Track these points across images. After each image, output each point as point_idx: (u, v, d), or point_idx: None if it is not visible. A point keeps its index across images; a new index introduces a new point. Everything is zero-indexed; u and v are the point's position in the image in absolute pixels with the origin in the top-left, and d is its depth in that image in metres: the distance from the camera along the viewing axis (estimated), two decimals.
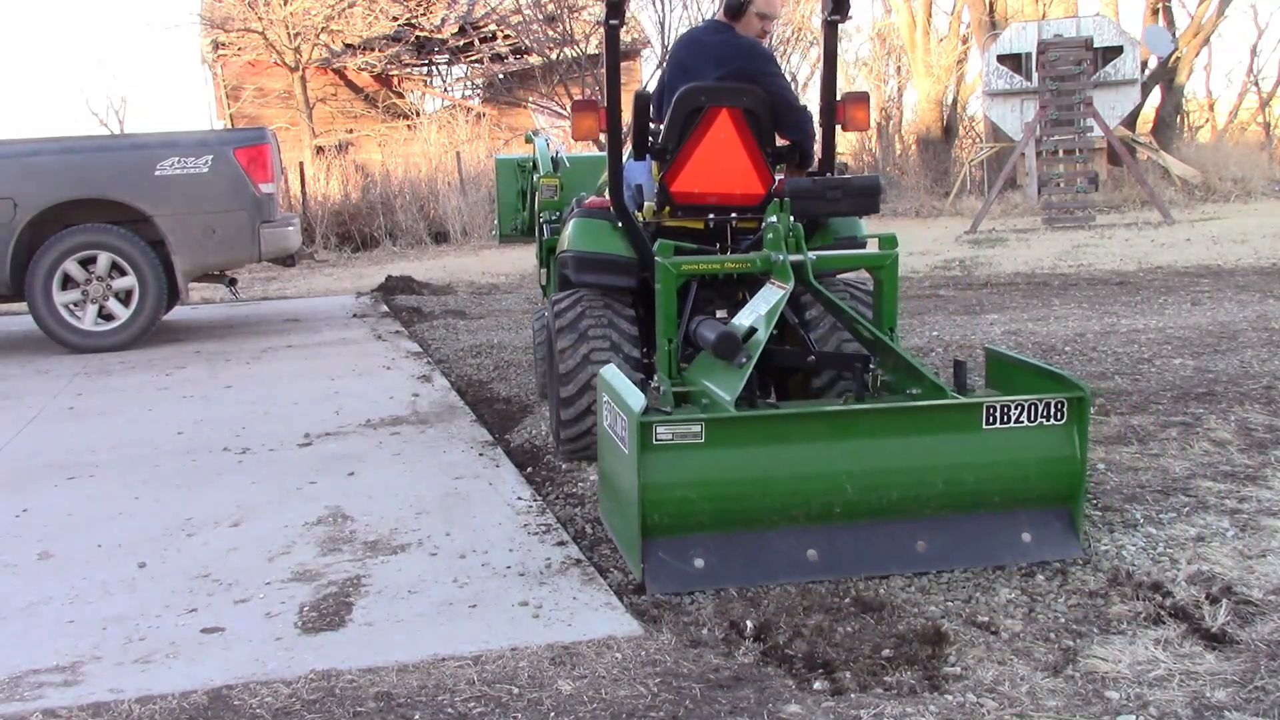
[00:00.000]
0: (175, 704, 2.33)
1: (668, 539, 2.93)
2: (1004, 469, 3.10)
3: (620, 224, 4.15)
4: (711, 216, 4.14)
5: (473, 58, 22.19)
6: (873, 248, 3.90)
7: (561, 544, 3.23)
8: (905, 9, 20.49)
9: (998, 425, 3.07)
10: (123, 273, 7.43)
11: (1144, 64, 17.76)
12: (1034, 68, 15.15)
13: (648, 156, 4.19)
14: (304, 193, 16.61)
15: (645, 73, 22.22)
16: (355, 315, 8.99)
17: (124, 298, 7.48)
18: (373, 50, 21.10)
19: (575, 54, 18.18)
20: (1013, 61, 16.53)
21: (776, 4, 4.35)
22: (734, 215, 4.13)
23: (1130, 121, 17.93)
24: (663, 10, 20.77)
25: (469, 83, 23.78)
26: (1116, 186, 16.62)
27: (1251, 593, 2.73)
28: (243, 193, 7.58)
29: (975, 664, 2.44)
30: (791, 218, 3.63)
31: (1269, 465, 3.77)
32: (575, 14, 19.45)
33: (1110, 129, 14.98)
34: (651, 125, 4.25)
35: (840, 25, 4.30)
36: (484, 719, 2.25)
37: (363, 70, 21.78)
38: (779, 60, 4.53)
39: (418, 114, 21.90)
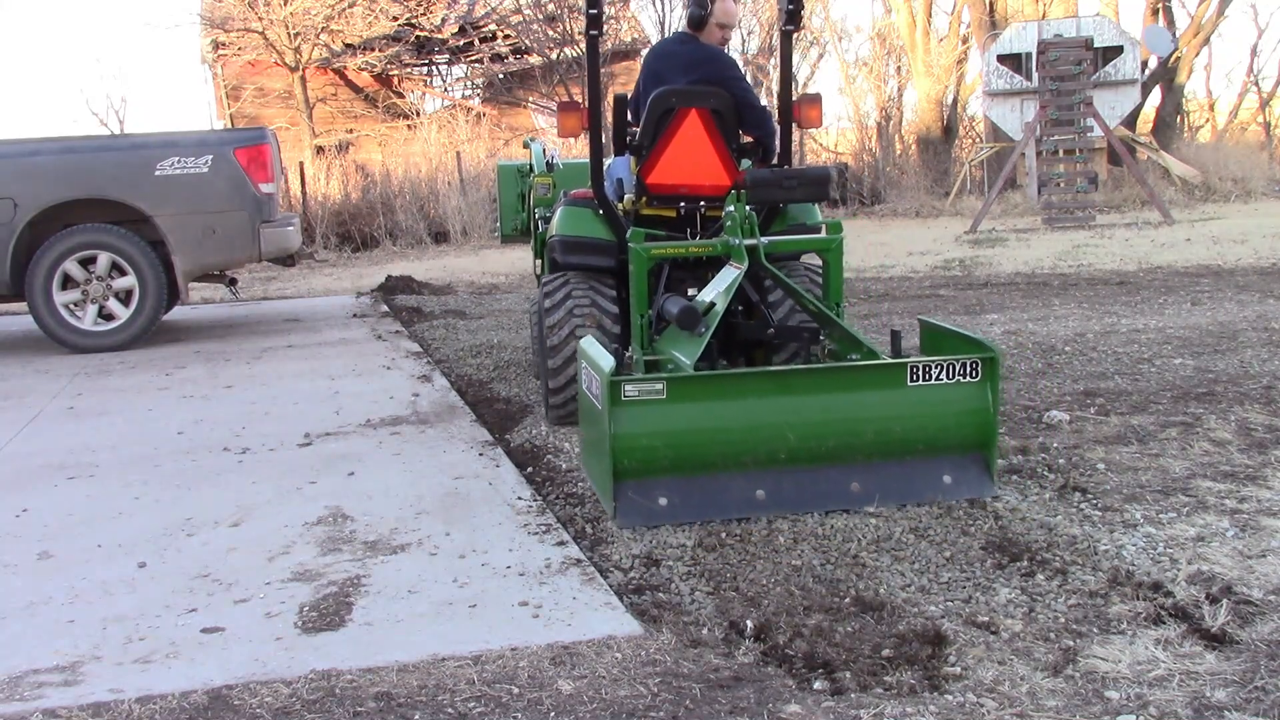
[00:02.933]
0: (175, 704, 2.33)
1: (636, 481, 3.39)
2: (926, 420, 3.58)
3: (602, 211, 4.63)
4: (683, 205, 4.60)
5: (473, 58, 22.19)
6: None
7: (561, 544, 3.23)
8: (905, 9, 20.47)
9: (920, 382, 3.57)
10: (123, 273, 7.43)
11: (1144, 64, 17.75)
12: (1034, 68, 15.14)
13: (626, 153, 4.67)
14: (304, 193, 16.61)
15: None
16: (355, 315, 8.99)
17: (124, 298, 7.47)
18: (373, 50, 21.09)
19: (575, 54, 18.19)
20: (1013, 61, 16.53)
21: (733, 14, 4.85)
22: (703, 204, 4.58)
23: (1130, 121, 17.92)
24: (663, 10, 20.76)
25: (469, 83, 23.78)
26: (1116, 186, 16.61)
27: (1251, 593, 2.73)
28: (243, 193, 7.58)
29: (975, 664, 2.44)
30: (747, 206, 4.16)
31: (1269, 465, 3.77)
32: (575, 14, 19.45)
33: (1110, 129, 14.98)
34: (629, 126, 4.69)
35: (794, 35, 4.79)
36: (484, 719, 2.25)
37: (363, 70, 21.77)
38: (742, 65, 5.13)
39: (418, 114, 21.89)
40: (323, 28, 19.95)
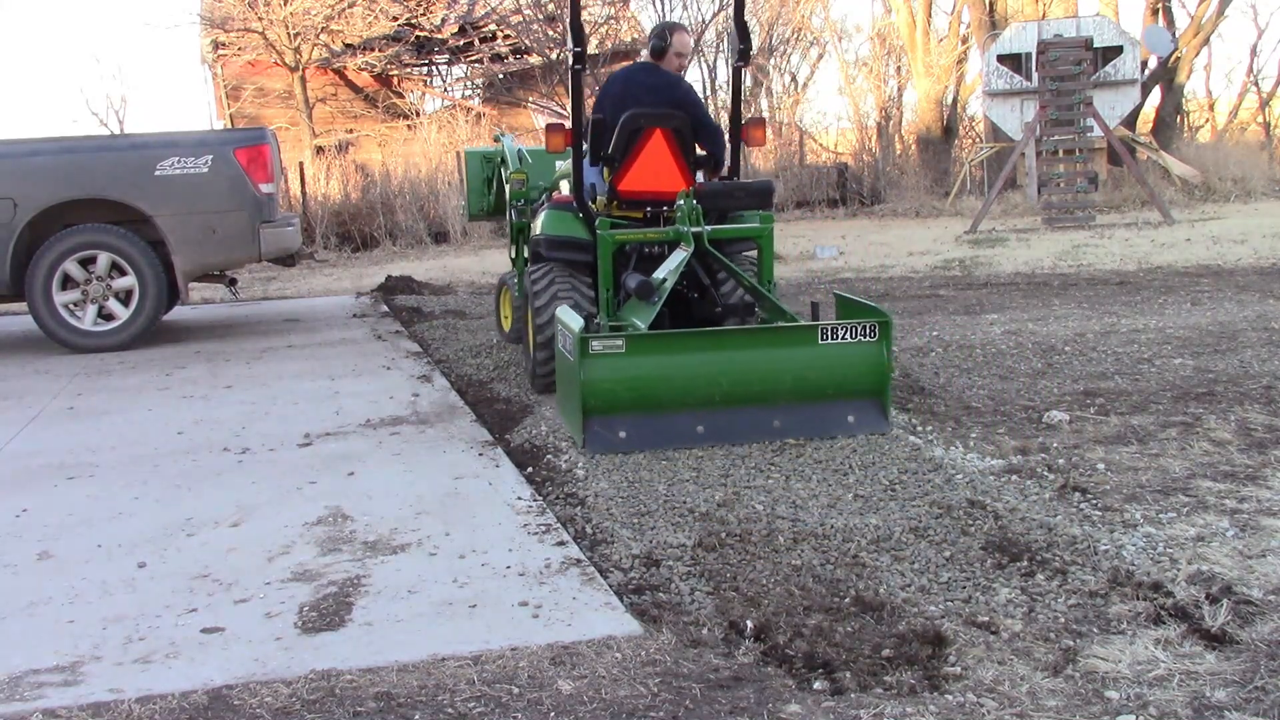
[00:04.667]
0: (175, 704, 2.33)
1: (600, 417, 4.23)
2: (834, 372, 4.44)
3: (581, 215, 5.39)
4: (649, 209, 5.40)
5: (473, 58, 22.18)
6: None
7: (561, 544, 3.23)
8: (905, 9, 20.46)
9: (830, 341, 4.44)
10: (123, 273, 7.43)
11: (1144, 64, 17.74)
12: (1034, 68, 15.14)
13: (600, 163, 5.43)
14: (304, 193, 16.60)
15: None
16: (355, 315, 8.99)
17: (124, 298, 7.47)
18: (373, 50, 21.08)
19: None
20: (1013, 61, 16.52)
21: (688, 45, 5.75)
22: (665, 207, 5.35)
23: (1130, 121, 17.91)
24: (663, 10, 20.76)
25: (469, 83, 23.77)
26: (1116, 186, 16.60)
27: (1251, 593, 2.73)
28: (243, 193, 7.58)
29: (975, 664, 2.44)
30: (695, 201, 5.04)
31: (1269, 465, 3.77)
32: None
33: (1110, 129, 14.97)
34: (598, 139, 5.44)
35: (743, 69, 5.71)
36: (484, 719, 2.25)
37: (363, 70, 21.76)
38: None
39: (418, 114, 21.89)
40: (323, 28, 19.93)
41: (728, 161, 5.65)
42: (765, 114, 23.95)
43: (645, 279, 4.94)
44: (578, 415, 4.22)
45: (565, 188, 5.82)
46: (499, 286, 7.24)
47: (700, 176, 5.59)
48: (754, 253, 5.32)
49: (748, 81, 25.49)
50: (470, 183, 7.72)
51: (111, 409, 5.51)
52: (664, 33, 5.59)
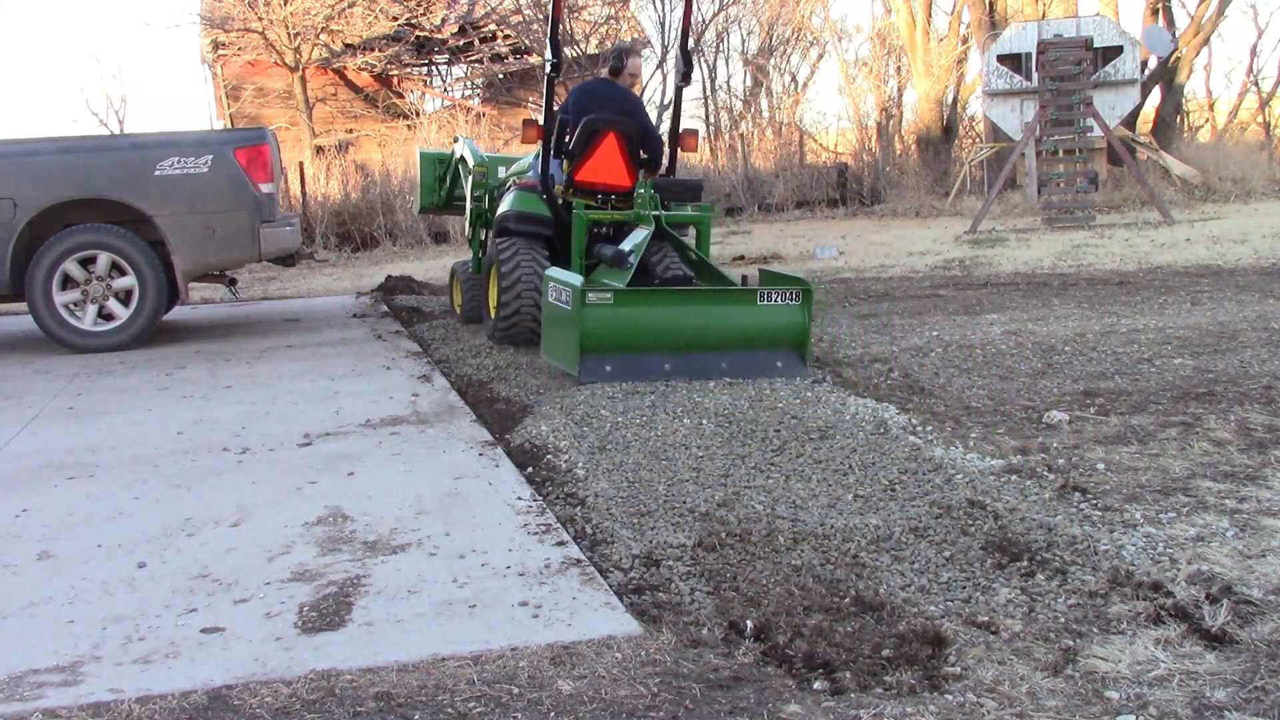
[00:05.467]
0: (175, 704, 2.33)
1: (592, 355, 5.28)
2: (768, 327, 5.53)
3: (545, 197, 6.64)
4: (599, 196, 6.69)
5: (473, 58, 22.18)
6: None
7: (561, 544, 3.23)
8: (905, 9, 20.47)
9: (765, 303, 5.55)
10: (123, 273, 7.43)
11: (1144, 64, 17.74)
12: (1034, 68, 15.14)
13: (561, 157, 6.70)
14: (304, 193, 16.60)
15: (645, 72, 22.25)
16: (355, 315, 8.99)
17: (124, 298, 7.47)
18: (373, 50, 21.08)
19: (575, 54, 18.19)
20: (1013, 61, 16.52)
21: (639, 68, 7.34)
22: (613, 197, 6.70)
23: (1130, 121, 17.91)
24: (663, 10, 20.79)
25: (469, 83, 23.78)
26: (1116, 186, 16.60)
27: (1251, 593, 2.73)
28: (243, 193, 7.58)
29: (975, 664, 2.44)
30: (653, 190, 6.40)
31: (1269, 465, 3.77)
32: (575, 13, 19.45)
33: (1110, 129, 14.97)
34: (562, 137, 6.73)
35: (683, 88, 7.07)
36: (484, 719, 2.25)
37: (363, 70, 21.77)
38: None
39: (418, 114, 21.90)
40: (323, 28, 19.93)
41: (665, 163, 6.98)
42: (765, 114, 24.00)
43: (619, 249, 6.11)
44: (574, 353, 5.24)
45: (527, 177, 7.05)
46: (451, 275, 8.34)
47: (641, 174, 6.76)
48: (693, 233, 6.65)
49: (748, 83, 25.52)
50: (423, 180, 8.69)
51: (111, 409, 5.51)
52: (621, 55, 6.87)
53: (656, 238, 6.25)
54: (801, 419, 4.56)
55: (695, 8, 20.44)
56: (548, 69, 6.58)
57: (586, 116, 6.54)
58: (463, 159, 8.16)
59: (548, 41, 6.54)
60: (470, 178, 7.84)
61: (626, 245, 6.13)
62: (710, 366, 5.33)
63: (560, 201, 6.67)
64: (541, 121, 6.67)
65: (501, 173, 7.73)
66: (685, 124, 7.23)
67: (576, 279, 5.34)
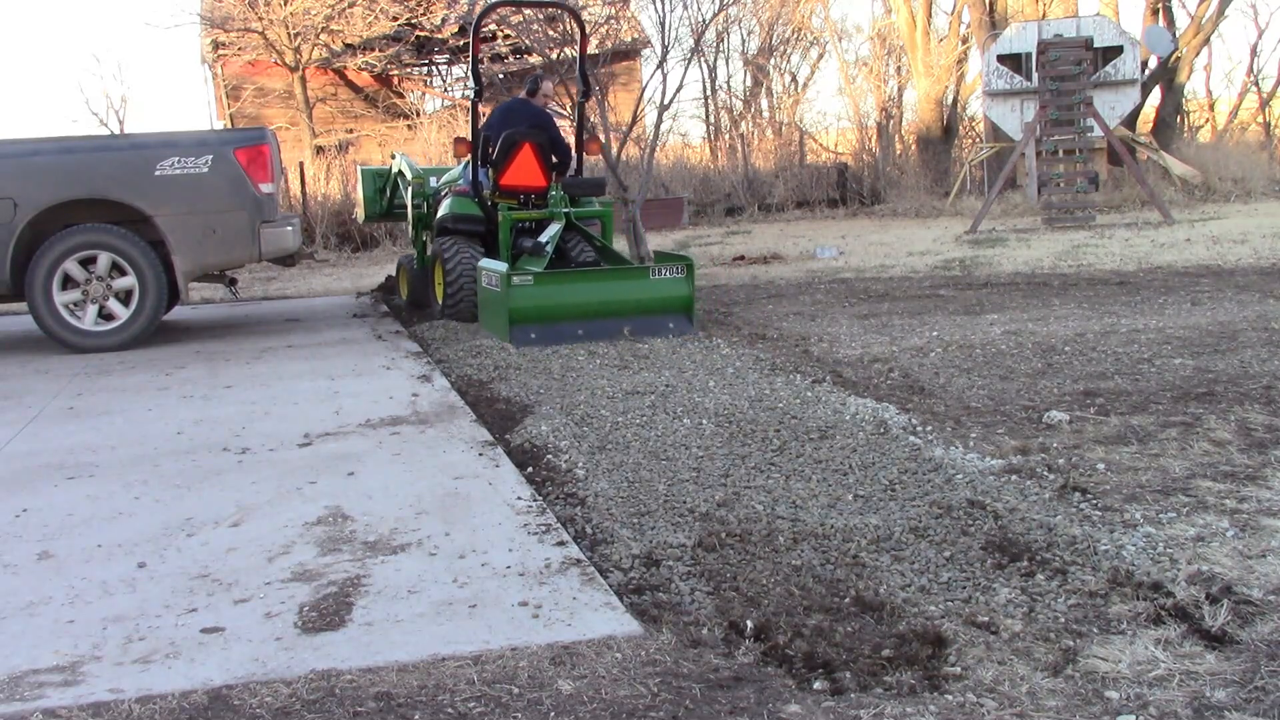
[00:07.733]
0: (175, 704, 2.33)
1: (518, 325, 6.65)
2: (661, 296, 6.97)
3: (476, 201, 8.05)
4: (521, 197, 8.07)
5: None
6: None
7: (561, 544, 3.23)
8: (905, 9, 20.46)
9: (658, 277, 7.00)
10: (123, 273, 7.43)
11: (1144, 64, 17.73)
12: (1034, 68, 15.13)
13: (486, 165, 8.06)
14: (304, 193, 16.61)
15: (645, 72, 22.31)
16: (355, 315, 8.99)
17: (124, 298, 7.47)
18: (373, 50, 21.08)
19: (575, 54, 18.16)
20: (1013, 61, 16.52)
21: (551, 90, 9.24)
22: (533, 197, 8.09)
23: (1130, 121, 17.90)
24: (663, 10, 20.79)
25: (469, 83, 23.76)
26: (1116, 186, 16.59)
27: (1251, 593, 2.73)
28: (243, 193, 7.58)
29: (975, 664, 2.44)
30: (563, 191, 7.91)
31: (1269, 465, 3.77)
32: (574, 14, 19.39)
33: (1110, 129, 14.97)
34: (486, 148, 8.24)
35: (584, 104, 8.80)
36: (484, 719, 2.25)
37: (363, 70, 21.77)
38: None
39: (418, 114, 21.90)
40: (323, 28, 19.93)
41: (573, 166, 8.48)
42: (765, 114, 23.99)
43: (537, 241, 7.57)
44: (504, 325, 6.68)
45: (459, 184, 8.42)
46: (398, 268, 9.68)
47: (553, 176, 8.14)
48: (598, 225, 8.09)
49: (748, 83, 25.51)
50: (365, 193, 9.93)
51: (111, 409, 5.51)
52: (537, 80, 8.48)
53: (568, 230, 7.66)
54: (801, 419, 4.56)
55: (695, 7, 20.52)
56: (472, 95, 8.25)
57: (506, 131, 7.92)
58: (401, 173, 9.45)
59: (469, 72, 7.98)
60: (410, 189, 9.03)
61: (544, 237, 7.50)
62: (615, 330, 6.70)
63: (490, 204, 8.01)
64: (469, 137, 8.20)
65: (434, 183, 8.98)
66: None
67: (503, 266, 6.83)
